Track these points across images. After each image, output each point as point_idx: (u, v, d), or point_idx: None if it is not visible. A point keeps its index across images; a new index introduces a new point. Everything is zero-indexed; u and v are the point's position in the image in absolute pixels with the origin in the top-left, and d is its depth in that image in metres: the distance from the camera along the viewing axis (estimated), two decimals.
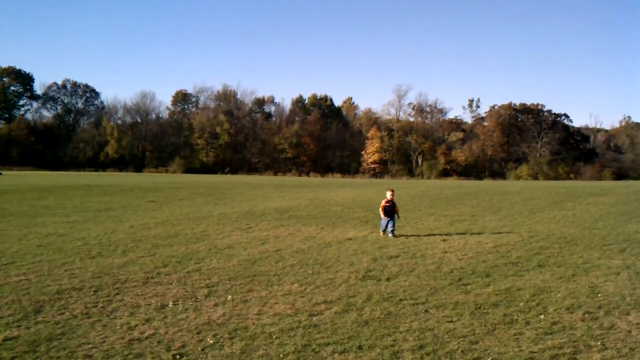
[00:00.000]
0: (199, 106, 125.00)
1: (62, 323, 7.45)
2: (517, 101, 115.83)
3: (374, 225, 18.37)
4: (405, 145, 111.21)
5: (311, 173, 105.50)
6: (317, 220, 19.59)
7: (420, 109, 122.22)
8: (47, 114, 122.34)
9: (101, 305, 8.36)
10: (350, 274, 10.70)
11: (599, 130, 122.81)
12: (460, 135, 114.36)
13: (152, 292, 9.17)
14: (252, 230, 17.01)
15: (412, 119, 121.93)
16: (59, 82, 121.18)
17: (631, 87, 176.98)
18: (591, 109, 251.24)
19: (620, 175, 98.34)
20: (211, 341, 6.77)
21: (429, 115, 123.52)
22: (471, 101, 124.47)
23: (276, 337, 6.91)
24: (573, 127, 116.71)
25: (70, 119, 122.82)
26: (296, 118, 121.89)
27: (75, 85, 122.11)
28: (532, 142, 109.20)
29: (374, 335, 7.01)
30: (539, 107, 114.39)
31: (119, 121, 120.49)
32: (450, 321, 7.59)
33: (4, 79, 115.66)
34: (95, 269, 10.93)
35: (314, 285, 9.69)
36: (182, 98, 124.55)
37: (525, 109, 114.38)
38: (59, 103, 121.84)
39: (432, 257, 12.54)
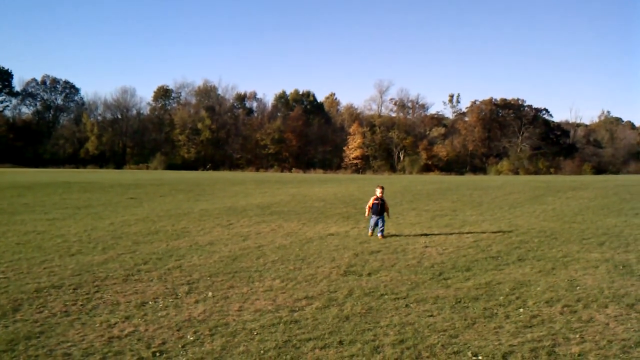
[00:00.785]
0: (180, 102, 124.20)
1: (41, 321, 7.38)
2: (497, 96, 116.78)
3: (355, 220, 18.41)
4: (387, 140, 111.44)
5: (293, 169, 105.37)
6: (298, 216, 19.59)
7: (401, 105, 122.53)
8: (27, 111, 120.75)
9: (80, 303, 8.29)
10: (331, 269, 10.71)
11: (578, 125, 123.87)
12: (441, 130, 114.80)
13: (132, 289, 9.11)
14: (233, 226, 16.96)
15: (393, 115, 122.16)
16: (38, 78, 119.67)
17: (611, 82, 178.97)
18: (571, 103, 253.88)
19: (599, 169, 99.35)
20: (191, 338, 6.74)
21: (410, 111, 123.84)
22: (452, 96, 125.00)
23: (257, 333, 6.90)
24: (553, 122, 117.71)
25: (50, 115, 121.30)
26: (278, 114, 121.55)
27: (54, 81, 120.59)
28: (513, 137, 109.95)
29: (354, 330, 7.02)
30: (520, 102, 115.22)
31: (99, 117, 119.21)
32: (431, 315, 7.63)
33: None
34: (75, 267, 10.84)
35: (295, 281, 9.68)
36: (163, 94, 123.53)
37: (505, 104, 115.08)
38: (38, 99, 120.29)
39: (413, 252, 12.59)
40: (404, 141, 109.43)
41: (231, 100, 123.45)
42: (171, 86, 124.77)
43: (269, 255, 12.11)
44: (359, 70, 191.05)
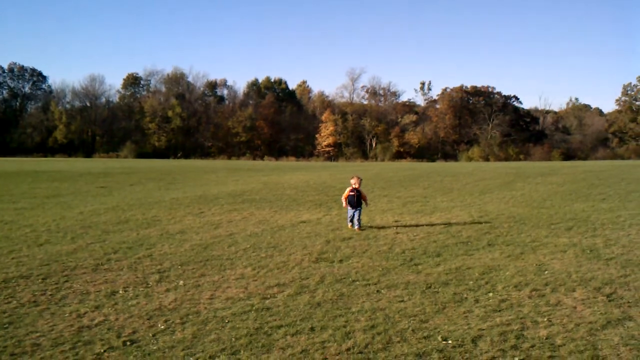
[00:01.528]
0: (150, 90, 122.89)
1: (9, 312, 7.27)
2: (468, 84, 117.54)
3: (327, 207, 18.43)
4: (359, 128, 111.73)
5: (265, 157, 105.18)
6: (270, 204, 19.55)
7: (373, 92, 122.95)
8: None
9: (49, 293, 8.19)
10: (303, 256, 10.72)
11: (548, 112, 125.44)
12: (413, 117, 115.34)
13: (102, 278, 9.02)
14: (204, 214, 16.88)
15: (365, 102, 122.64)
16: (5, 66, 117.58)
17: (579, 69, 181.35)
18: (540, 91, 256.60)
19: (568, 155, 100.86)
20: (162, 327, 6.70)
21: (382, 98, 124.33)
22: (423, 84, 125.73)
23: (228, 321, 6.88)
24: (523, 109, 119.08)
25: (17, 103, 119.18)
26: (250, 101, 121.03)
27: (22, 69, 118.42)
28: (483, 124, 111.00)
29: (326, 316, 7.04)
30: (490, 89, 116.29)
31: (67, 106, 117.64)
32: (402, 301, 7.69)
33: None
34: (44, 257, 10.69)
35: (267, 269, 9.68)
36: (132, 81, 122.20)
37: (476, 92, 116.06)
38: (5, 87, 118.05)
39: (385, 238, 12.65)
40: (376, 128, 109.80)
41: (202, 88, 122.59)
42: (141, 74, 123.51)
43: (241, 243, 12.08)
44: (330, 57, 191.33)
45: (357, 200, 13.82)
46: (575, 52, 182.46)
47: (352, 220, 13.92)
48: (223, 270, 9.58)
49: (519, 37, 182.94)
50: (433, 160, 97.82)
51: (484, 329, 6.53)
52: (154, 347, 6.07)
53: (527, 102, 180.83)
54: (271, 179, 32.74)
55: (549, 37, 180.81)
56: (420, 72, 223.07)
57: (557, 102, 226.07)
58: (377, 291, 8.18)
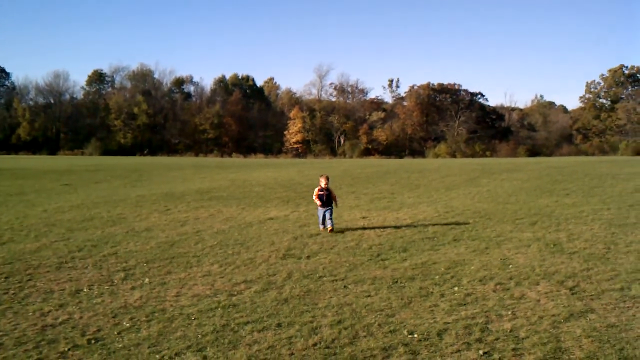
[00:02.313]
0: (115, 86, 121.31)
1: None
2: (435, 81, 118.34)
3: (295, 204, 18.43)
4: (328, 125, 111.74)
5: (233, 154, 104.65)
6: (238, 201, 19.48)
7: (341, 89, 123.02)
8: None
9: (12, 291, 8.07)
10: (270, 253, 10.72)
11: (513, 109, 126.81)
12: (381, 115, 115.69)
13: (66, 277, 8.91)
14: (171, 212, 16.74)
15: (333, 99, 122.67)
16: None
17: (543, 66, 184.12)
18: (506, 88, 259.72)
19: (533, 152, 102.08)
20: (127, 324, 6.65)
21: (350, 96, 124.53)
22: (391, 81, 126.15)
23: (195, 318, 6.86)
24: (489, 106, 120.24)
25: None
26: (217, 98, 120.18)
27: None
28: (450, 121, 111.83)
29: (293, 312, 7.06)
30: (456, 86, 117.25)
31: (30, 102, 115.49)
32: (368, 296, 7.74)
33: None
34: (6, 255, 10.52)
35: (234, 266, 9.65)
36: (97, 78, 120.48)
37: (443, 89, 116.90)
38: None
39: (352, 234, 12.71)
40: (344, 125, 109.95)
41: (168, 85, 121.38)
42: (106, 70, 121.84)
43: (208, 241, 12.03)
44: (298, 54, 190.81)
45: (326, 199, 13.37)
46: (540, 49, 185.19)
47: (323, 223, 13.29)
48: (189, 268, 9.53)
49: (485, 35, 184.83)
50: (401, 157, 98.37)
51: (449, 323, 6.61)
52: (119, 345, 6.02)
53: (493, 99, 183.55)
54: (239, 176, 32.59)
55: (513, 35, 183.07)
56: (388, 69, 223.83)
57: (522, 99, 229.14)
58: (344, 287, 8.22)
